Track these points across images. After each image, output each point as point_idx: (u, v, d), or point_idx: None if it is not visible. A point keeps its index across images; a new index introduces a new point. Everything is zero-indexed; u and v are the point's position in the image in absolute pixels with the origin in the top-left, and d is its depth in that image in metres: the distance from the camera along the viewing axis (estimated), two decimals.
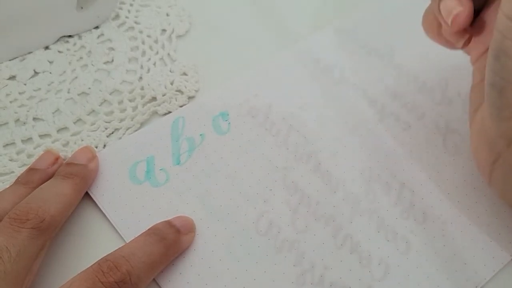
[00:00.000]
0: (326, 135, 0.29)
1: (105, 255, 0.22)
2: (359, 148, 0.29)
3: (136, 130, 0.30)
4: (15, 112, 0.31)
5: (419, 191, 0.27)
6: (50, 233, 0.23)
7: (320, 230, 0.25)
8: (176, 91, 0.32)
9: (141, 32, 0.35)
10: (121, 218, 0.26)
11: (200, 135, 0.29)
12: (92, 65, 0.33)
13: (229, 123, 0.30)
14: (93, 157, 0.27)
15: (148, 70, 0.33)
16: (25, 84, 0.32)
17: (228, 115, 0.30)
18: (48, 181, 0.26)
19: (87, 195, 0.27)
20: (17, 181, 0.26)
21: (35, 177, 0.26)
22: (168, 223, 0.25)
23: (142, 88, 0.32)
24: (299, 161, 0.28)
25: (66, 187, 0.25)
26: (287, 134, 0.29)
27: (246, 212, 0.26)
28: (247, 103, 0.31)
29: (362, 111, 0.31)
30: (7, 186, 0.26)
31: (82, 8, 0.34)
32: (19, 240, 0.22)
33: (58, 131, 0.30)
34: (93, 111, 0.31)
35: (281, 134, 0.29)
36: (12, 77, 0.33)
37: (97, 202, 0.27)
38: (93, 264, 0.22)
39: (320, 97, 0.31)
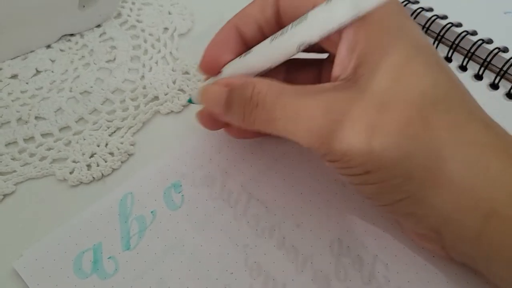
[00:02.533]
0: (289, 202, 0.26)
1: None
2: (326, 216, 0.26)
3: (139, 130, 0.30)
4: (17, 111, 0.31)
5: (394, 263, 0.24)
6: None
7: None
8: (179, 90, 0.32)
9: (143, 30, 0.35)
10: None
11: (151, 212, 0.26)
12: (94, 63, 0.33)
13: (183, 195, 0.26)
14: None
15: (150, 69, 0.33)
16: (27, 83, 0.32)
17: (181, 186, 0.27)
18: None
19: None
20: None
21: None
22: None
23: (144, 87, 0.32)
24: (261, 236, 0.25)
25: None
26: (247, 204, 0.26)
27: None
28: (200, 170, 0.27)
29: (326, 170, 0.27)
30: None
31: (84, 6, 0.34)
32: None
33: (60, 130, 0.30)
34: (95, 110, 0.31)
35: (240, 205, 0.26)
36: (14, 76, 0.33)
37: None
38: None
39: (281, 158, 0.28)
